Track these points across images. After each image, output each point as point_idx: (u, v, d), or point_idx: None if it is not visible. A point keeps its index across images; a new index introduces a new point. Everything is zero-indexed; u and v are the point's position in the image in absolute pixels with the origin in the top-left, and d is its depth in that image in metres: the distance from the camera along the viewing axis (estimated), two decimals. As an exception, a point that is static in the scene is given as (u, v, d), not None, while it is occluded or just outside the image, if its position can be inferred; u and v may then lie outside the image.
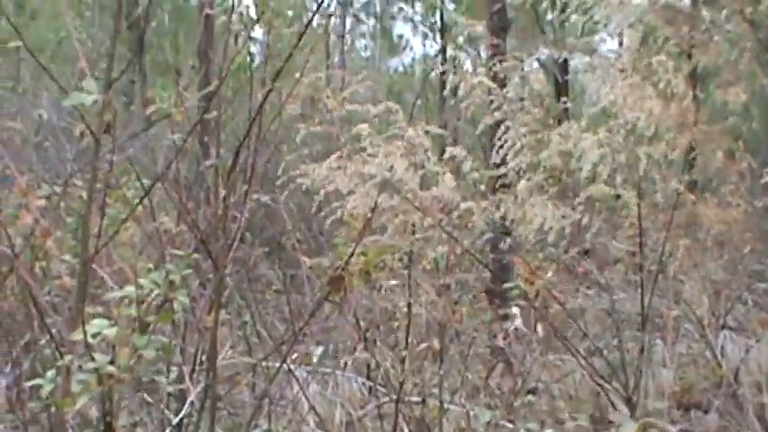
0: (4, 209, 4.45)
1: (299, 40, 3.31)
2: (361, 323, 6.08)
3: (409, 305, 5.18)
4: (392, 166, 4.78)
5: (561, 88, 16.36)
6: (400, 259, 5.38)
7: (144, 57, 19.28)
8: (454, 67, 5.57)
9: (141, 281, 3.10)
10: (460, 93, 5.19)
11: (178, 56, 20.38)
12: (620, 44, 5.49)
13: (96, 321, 3.08)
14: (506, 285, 5.04)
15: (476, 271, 6.07)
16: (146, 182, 4.77)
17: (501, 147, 5.04)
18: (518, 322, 5.59)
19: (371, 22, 26.16)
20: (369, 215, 4.04)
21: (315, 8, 18.40)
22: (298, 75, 4.05)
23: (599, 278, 6.08)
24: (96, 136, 3.15)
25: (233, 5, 3.90)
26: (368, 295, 6.10)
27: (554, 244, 5.27)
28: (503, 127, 5.07)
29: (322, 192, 5.04)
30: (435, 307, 5.33)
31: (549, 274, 4.90)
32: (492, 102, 5.08)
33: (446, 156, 5.06)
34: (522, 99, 5.12)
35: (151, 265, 3.95)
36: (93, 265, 3.73)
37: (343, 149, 4.99)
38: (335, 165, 4.90)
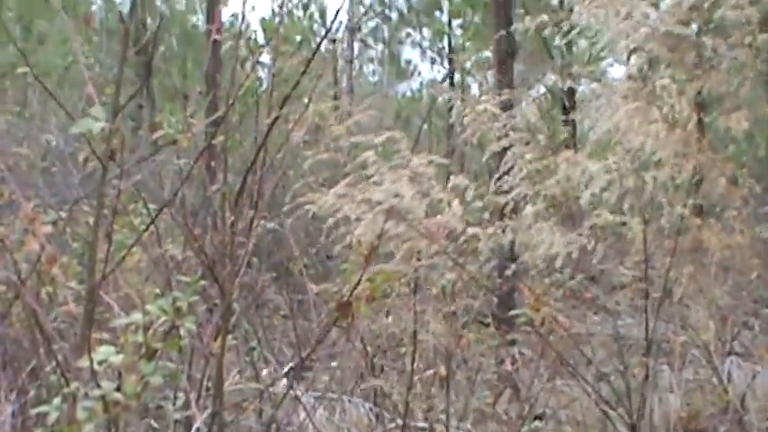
0: (10, 234, 4.47)
1: (307, 66, 3.34)
2: (369, 349, 6.09)
3: (415, 332, 5.19)
4: (398, 194, 4.79)
5: (569, 114, 16.39)
6: (408, 284, 5.40)
7: (152, 82, 19.38)
8: (462, 92, 5.60)
9: (148, 307, 3.11)
10: (466, 119, 5.21)
11: (186, 81, 20.48)
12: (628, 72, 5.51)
13: (103, 348, 3.08)
14: (512, 312, 5.04)
15: (483, 297, 6.07)
16: (153, 207, 4.79)
17: (507, 173, 5.06)
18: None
19: (380, 47, 26.25)
20: (375, 242, 4.05)
21: (323, 34, 18.49)
22: (305, 101, 4.07)
23: (606, 303, 6.09)
24: (103, 162, 3.17)
25: (240, 31, 3.93)
26: (376, 321, 6.11)
27: (560, 270, 5.27)
28: (508, 153, 5.08)
29: (330, 219, 5.06)
30: (442, 333, 5.34)
31: (555, 300, 4.91)
32: (499, 128, 5.10)
33: (450, 184, 5.08)
34: (528, 125, 5.14)
35: (158, 291, 3.98)
36: (100, 292, 3.74)
37: (350, 177, 5.00)
38: (342, 192, 4.92)
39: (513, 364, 6.11)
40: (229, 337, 5.71)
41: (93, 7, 19.86)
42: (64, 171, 8.87)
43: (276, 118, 3.33)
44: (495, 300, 6.91)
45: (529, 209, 4.99)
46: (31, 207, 3.80)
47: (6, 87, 16.77)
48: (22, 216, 3.93)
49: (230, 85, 3.73)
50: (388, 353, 6.30)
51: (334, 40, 22.72)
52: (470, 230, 5.02)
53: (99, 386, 2.99)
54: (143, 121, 17.51)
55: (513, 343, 6.32)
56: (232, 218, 3.40)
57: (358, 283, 3.14)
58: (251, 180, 3.52)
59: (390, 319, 5.88)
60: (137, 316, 3.10)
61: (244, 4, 3.85)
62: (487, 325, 6.57)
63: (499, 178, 5.06)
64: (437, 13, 22.14)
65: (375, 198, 4.79)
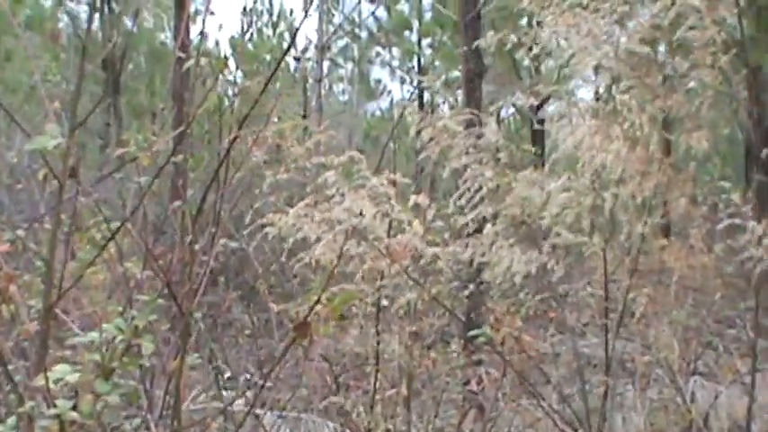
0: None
1: (267, 83, 3.32)
2: (333, 367, 6.07)
3: (377, 352, 5.18)
4: (360, 213, 4.78)
5: (536, 134, 16.46)
6: (373, 304, 5.38)
7: (120, 99, 19.32)
8: (432, 112, 5.59)
9: (105, 326, 3.08)
10: (425, 135, 5.20)
11: (154, 98, 20.42)
12: (595, 91, 5.53)
13: (59, 367, 3.05)
14: (471, 333, 5.03)
15: (447, 317, 6.07)
16: (115, 224, 4.75)
17: (466, 191, 5.05)
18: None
19: (349, 66, 26.31)
20: (335, 262, 4.03)
21: (289, 51, 18.48)
22: (265, 120, 4.05)
23: (569, 322, 6.09)
24: (60, 180, 3.14)
25: (199, 49, 3.91)
26: (341, 340, 6.09)
27: (521, 288, 5.27)
28: (468, 171, 5.08)
29: (290, 239, 5.02)
30: (404, 353, 5.33)
31: (519, 319, 4.90)
32: (460, 145, 5.09)
33: (411, 203, 5.06)
34: (490, 144, 5.13)
35: (120, 309, 3.94)
36: (59, 310, 3.70)
37: (310, 197, 4.98)
38: (303, 212, 4.89)
39: (478, 383, 6.10)
40: (194, 355, 5.68)
41: (60, 24, 19.78)
42: (29, 188, 8.82)
43: (235, 137, 3.30)
44: (462, 319, 6.91)
45: (489, 228, 4.98)
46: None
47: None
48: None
49: (193, 102, 3.70)
50: (353, 372, 6.28)
51: (297, 59, 22.71)
52: (430, 250, 5.00)
53: (54, 405, 2.96)
54: (111, 138, 17.45)
55: (479, 363, 6.32)
56: (190, 237, 3.37)
57: (316, 303, 3.12)
58: (211, 198, 3.50)
59: (355, 338, 5.86)
60: (93, 334, 3.08)
61: (204, 19, 3.82)
62: (449, 344, 6.57)
63: (459, 197, 5.05)
64: (407, 32, 22.22)
65: (335, 217, 4.77)
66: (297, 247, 5.17)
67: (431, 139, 5.11)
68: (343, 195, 4.85)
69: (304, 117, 22.82)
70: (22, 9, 19.84)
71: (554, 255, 4.88)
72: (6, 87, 18.04)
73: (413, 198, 5.06)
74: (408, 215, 4.97)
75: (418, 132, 5.23)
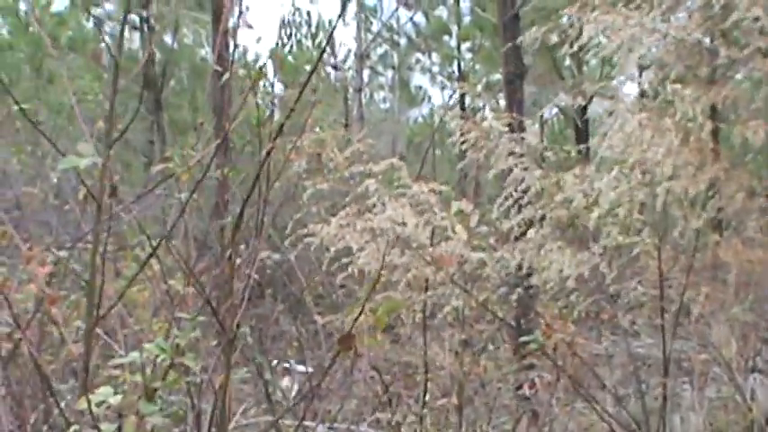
0: (14, 277, 4.40)
1: (302, 91, 3.24)
2: (383, 377, 6.00)
3: (426, 363, 5.09)
4: (402, 222, 4.69)
5: (581, 134, 16.31)
6: (422, 312, 5.30)
7: (162, 116, 19.38)
8: (474, 115, 5.50)
9: (146, 345, 3.02)
10: (470, 139, 5.09)
11: (196, 114, 20.45)
12: (641, 88, 5.39)
13: (102, 389, 2.99)
14: (522, 339, 4.92)
15: (496, 322, 5.97)
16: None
17: (511, 194, 4.94)
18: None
19: (389, 73, 26.26)
20: (379, 271, 3.94)
21: (328, 61, 18.44)
22: (303, 130, 3.99)
23: (623, 323, 5.98)
24: (97, 200, 3.08)
25: (234, 61, 3.85)
26: (390, 349, 6.02)
27: (572, 291, 5.15)
28: (512, 174, 4.96)
29: (332, 249, 4.94)
30: (456, 361, 5.24)
31: (571, 322, 4.79)
32: (505, 147, 4.99)
33: (453, 210, 4.96)
34: (534, 146, 5.02)
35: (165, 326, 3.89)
36: (102, 331, 3.66)
37: (352, 206, 4.90)
38: (345, 222, 4.81)
39: (531, 388, 6.01)
40: (243, 370, 5.63)
41: (102, 45, 19.89)
42: (77, 208, 8.81)
43: (271, 148, 3.23)
44: (512, 323, 6.80)
45: (537, 230, 4.87)
46: (28, 248, 3.73)
47: (18, 127, 16.80)
48: (22, 257, 3.86)
49: (234, 115, 3.64)
50: (404, 381, 6.21)
51: (335, 67, 22.69)
52: (476, 256, 4.90)
53: (98, 428, 2.90)
54: (155, 155, 17.50)
55: (531, 367, 6.21)
56: (230, 251, 3.30)
57: (360, 315, 3.03)
58: (250, 211, 3.43)
59: (403, 347, 5.79)
60: (135, 354, 3.02)
61: (237, 27, 3.76)
62: (499, 349, 6.48)
63: (504, 201, 4.94)
64: (446, 37, 22.11)
65: (378, 226, 4.68)
66: (340, 256, 5.09)
67: (473, 144, 5.01)
68: (384, 204, 4.77)
69: (346, 126, 22.82)
70: (64, 31, 20.00)
71: (605, 255, 4.75)
72: (50, 109, 18.16)
73: (455, 204, 4.96)
74: (452, 221, 4.87)
75: (461, 137, 5.12)
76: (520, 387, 6.20)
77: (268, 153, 3.23)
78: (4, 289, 4.02)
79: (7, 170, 12.55)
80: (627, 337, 5.74)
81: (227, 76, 3.89)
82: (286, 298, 9.49)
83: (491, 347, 6.78)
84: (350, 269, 4.93)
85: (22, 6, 20.19)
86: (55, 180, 8.20)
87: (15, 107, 3.62)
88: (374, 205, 4.85)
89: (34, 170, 13.08)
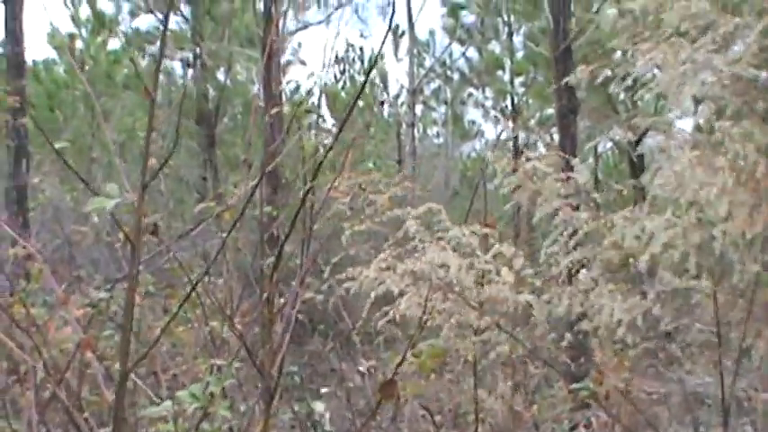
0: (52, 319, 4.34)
1: (343, 125, 3.14)
2: (435, 418, 5.87)
3: (476, 408, 4.95)
4: (444, 265, 4.55)
5: (636, 168, 16.12)
6: (470, 356, 5.17)
7: (215, 153, 19.44)
8: (526, 149, 5.37)
9: (179, 393, 2.91)
10: (514, 180, 4.94)
11: (249, 151, 20.48)
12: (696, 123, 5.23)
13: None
14: (574, 387, 4.75)
15: (544, 367, 5.83)
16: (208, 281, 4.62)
17: (559, 236, 4.79)
18: None
19: (442, 108, 26.21)
20: (421, 317, 3.82)
21: (378, 97, 18.41)
22: (350, 167, 3.89)
23: (681, 361, 5.82)
24: (133, 240, 2.98)
25: (280, 95, 3.77)
26: (441, 389, 5.90)
27: (627, 335, 4.98)
28: (558, 216, 4.81)
29: (372, 294, 4.80)
30: (504, 405, 5.10)
31: (624, 368, 4.63)
32: (551, 188, 4.84)
33: (495, 252, 4.82)
34: (582, 185, 4.87)
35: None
36: (134, 377, 3.57)
37: (392, 249, 4.78)
38: (385, 265, 4.68)
39: (587, 428, 5.86)
40: (286, 414, 5.52)
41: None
42: (124, 247, 8.80)
43: (311, 185, 3.13)
44: (564, 365, 6.65)
45: (584, 274, 4.70)
46: (64, 288, 3.67)
47: (71, 164, 16.95)
48: (57, 299, 3.79)
49: (280, 151, 3.56)
50: (454, 422, 6.08)
51: (383, 102, 22.67)
52: (522, 298, 4.75)
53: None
54: (207, 192, 17.54)
55: (587, 406, 6.05)
56: (268, 293, 3.19)
57: (401, 362, 2.91)
58: (289, 250, 3.33)
59: (450, 389, 5.65)
60: (167, 404, 2.91)
61: (285, 64, 3.68)
62: (552, 387, 6.33)
63: (552, 243, 4.78)
64: (499, 71, 22.01)
65: (419, 270, 4.55)
66: (381, 300, 4.97)
67: (518, 186, 4.87)
68: (425, 247, 4.64)
69: (399, 162, 22.77)
70: (120, 69, 20.20)
71: (659, 299, 4.58)
72: (104, 146, 18.30)
73: (496, 247, 4.82)
74: (497, 264, 4.73)
75: (504, 178, 4.97)
76: (575, 427, 6.05)
77: (308, 190, 3.13)
78: (43, 330, 3.96)
79: (60, 207, 12.62)
80: (684, 376, 5.56)
81: (274, 111, 3.81)
82: (337, 335, 9.40)
83: (544, 386, 6.65)
84: (391, 314, 4.79)
85: (79, 44, 20.42)
86: (107, 217, 8.20)
87: (64, 145, 3.55)
88: (415, 248, 4.73)
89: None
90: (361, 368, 5.74)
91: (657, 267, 4.50)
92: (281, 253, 3.15)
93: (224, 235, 4.31)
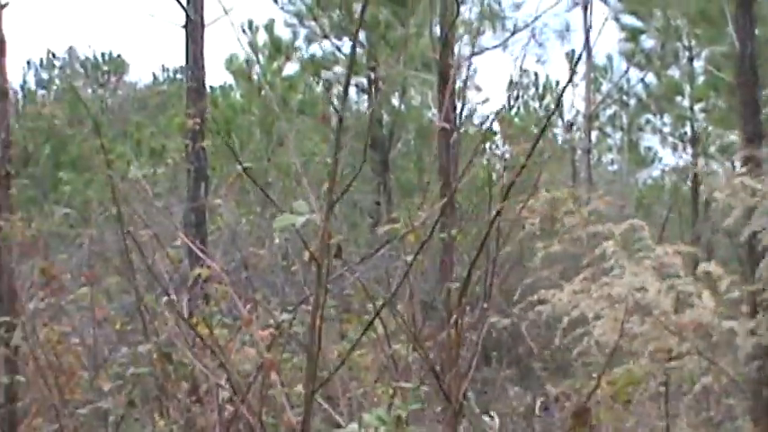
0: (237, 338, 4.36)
1: (532, 150, 3.05)
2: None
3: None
4: (642, 287, 4.37)
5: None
6: (661, 385, 4.97)
7: (389, 177, 19.50)
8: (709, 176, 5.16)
9: (365, 416, 2.85)
10: (719, 197, 4.72)
11: (423, 176, 20.48)
12: None
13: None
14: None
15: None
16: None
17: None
18: None
19: (618, 135, 25.81)
20: (617, 341, 3.67)
21: (551, 120, 18.22)
22: (534, 188, 3.79)
23: None
24: (318, 260, 2.95)
25: (459, 120, 3.70)
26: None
27: None
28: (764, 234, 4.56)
29: (565, 319, 4.65)
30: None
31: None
32: (752, 210, 4.60)
33: (699, 272, 4.60)
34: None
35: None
36: (319, 398, 3.52)
37: (587, 271, 4.61)
38: (579, 288, 4.53)
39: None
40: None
41: (330, 107, 20.25)
42: (305, 269, 8.85)
43: (500, 209, 3.04)
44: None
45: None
46: (248, 310, 3.67)
47: (248, 188, 17.25)
48: (242, 320, 3.80)
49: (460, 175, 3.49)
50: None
51: (570, 125, 22.43)
52: (725, 324, 4.51)
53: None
54: (380, 217, 17.59)
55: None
56: (456, 316, 3.11)
57: (596, 388, 2.79)
58: (477, 274, 3.25)
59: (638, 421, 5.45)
60: (353, 427, 2.86)
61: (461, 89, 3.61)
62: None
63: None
64: (678, 97, 21.50)
65: (615, 293, 4.37)
66: (574, 325, 4.81)
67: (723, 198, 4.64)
68: (622, 268, 4.47)
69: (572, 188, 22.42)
70: (294, 94, 20.50)
71: None
72: (280, 170, 18.55)
73: (703, 265, 4.60)
74: (698, 287, 4.52)
75: (728, 196, 4.73)
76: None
77: (498, 213, 3.04)
78: (226, 351, 3.97)
79: (237, 231, 12.81)
80: None
81: (454, 136, 3.74)
82: (512, 363, 9.25)
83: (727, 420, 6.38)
84: (585, 341, 4.61)
85: (256, 70, 20.81)
86: (284, 240, 8.27)
87: (249, 166, 3.58)
88: (612, 269, 4.55)
89: (263, 231, 13.34)
90: (546, 395, 5.59)
91: None
92: (470, 275, 3.07)
93: (408, 258, 4.26)
